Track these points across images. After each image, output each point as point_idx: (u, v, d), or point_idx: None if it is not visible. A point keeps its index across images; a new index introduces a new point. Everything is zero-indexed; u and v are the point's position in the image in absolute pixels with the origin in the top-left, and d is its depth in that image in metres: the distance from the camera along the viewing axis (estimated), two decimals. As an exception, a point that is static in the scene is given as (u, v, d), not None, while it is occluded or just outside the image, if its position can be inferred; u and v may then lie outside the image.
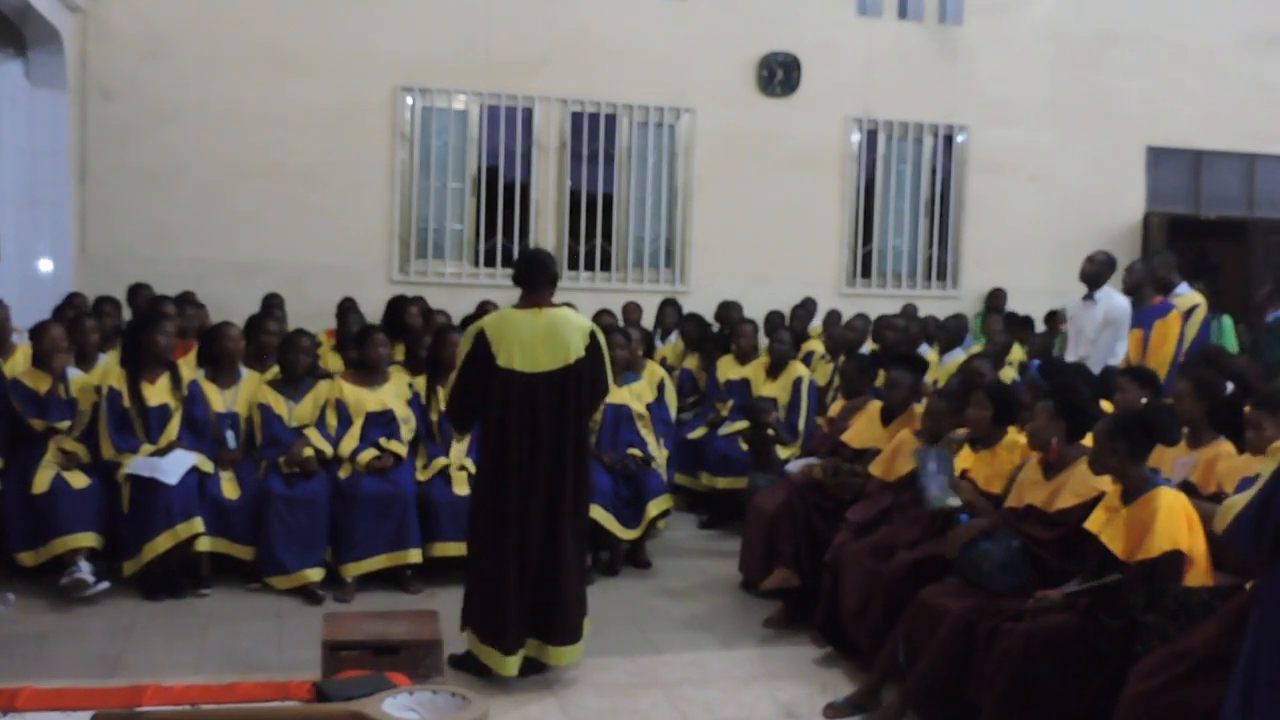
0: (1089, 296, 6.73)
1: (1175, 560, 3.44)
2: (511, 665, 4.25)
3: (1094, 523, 3.68)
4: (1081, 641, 3.53)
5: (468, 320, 6.37)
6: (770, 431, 6.49)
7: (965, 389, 5.06)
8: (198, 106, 8.70)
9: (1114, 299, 6.69)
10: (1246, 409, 3.99)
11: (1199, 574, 3.47)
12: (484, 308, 7.09)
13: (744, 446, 6.76)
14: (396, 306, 7.67)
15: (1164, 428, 3.80)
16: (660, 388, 6.47)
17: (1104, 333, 6.65)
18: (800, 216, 10.03)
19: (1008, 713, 3.52)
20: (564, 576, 4.31)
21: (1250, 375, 5.41)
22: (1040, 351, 7.32)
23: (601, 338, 4.46)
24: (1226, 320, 8.55)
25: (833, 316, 8.83)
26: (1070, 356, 6.82)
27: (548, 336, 4.31)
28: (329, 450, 5.58)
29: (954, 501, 4.40)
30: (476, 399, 4.34)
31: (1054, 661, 3.51)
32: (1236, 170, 11.14)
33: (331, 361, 6.93)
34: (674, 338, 8.52)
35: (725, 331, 7.94)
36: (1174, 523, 3.47)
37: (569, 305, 8.29)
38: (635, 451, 6.05)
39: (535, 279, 4.40)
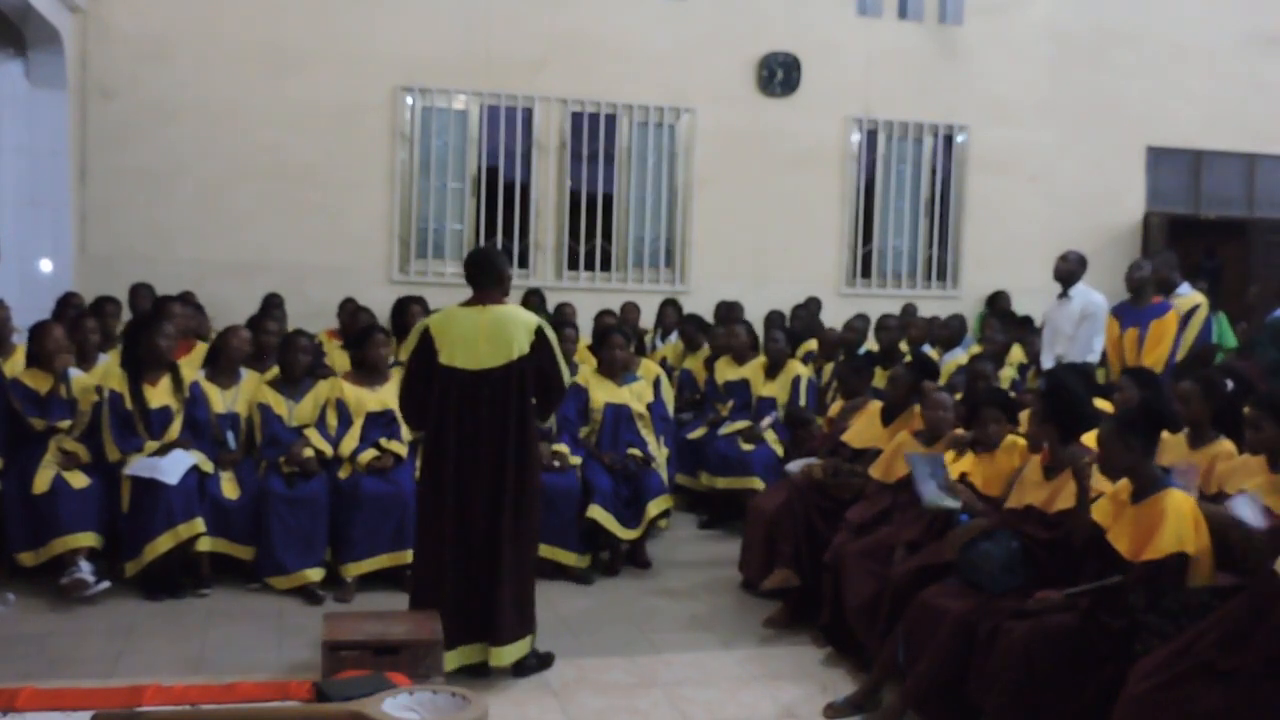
0: (1064, 294, 6.83)
1: (1179, 562, 3.44)
2: (450, 661, 4.22)
3: (1099, 512, 3.68)
4: (1082, 641, 3.52)
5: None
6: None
7: (969, 390, 5.06)
8: (198, 106, 8.70)
9: (1090, 295, 6.82)
10: (1246, 409, 3.98)
11: (1201, 574, 3.47)
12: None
13: (745, 447, 6.75)
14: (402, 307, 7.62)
15: (1167, 415, 3.82)
16: (656, 384, 6.47)
17: (1081, 328, 6.73)
18: (800, 216, 10.03)
19: (1008, 713, 3.52)
20: (503, 577, 4.28)
21: (1250, 374, 5.41)
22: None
23: (550, 334, 4.39)
24: (1223, 318, 8.56)
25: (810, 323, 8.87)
26: (1047, 355, 6.87)
27: (490, 333, 4.29)
28: (329, 450, 5.58)
29: (950, 503, 4.41)
30: (422, 397, 4.35)
31: (1054, 662, 3.50)
32: (1236, 170, 11.14)
33: (338, 360, 6.92)
34: (674, 338, 8.51)
35: (710, 331, 7.80)
36: (1181, 525, 3.47)
37: (568, 305, 8.16)
38: (635, 451, 6.03)
39: (481, 277, 4.40)
